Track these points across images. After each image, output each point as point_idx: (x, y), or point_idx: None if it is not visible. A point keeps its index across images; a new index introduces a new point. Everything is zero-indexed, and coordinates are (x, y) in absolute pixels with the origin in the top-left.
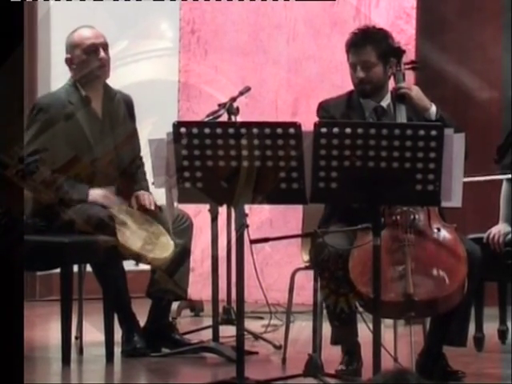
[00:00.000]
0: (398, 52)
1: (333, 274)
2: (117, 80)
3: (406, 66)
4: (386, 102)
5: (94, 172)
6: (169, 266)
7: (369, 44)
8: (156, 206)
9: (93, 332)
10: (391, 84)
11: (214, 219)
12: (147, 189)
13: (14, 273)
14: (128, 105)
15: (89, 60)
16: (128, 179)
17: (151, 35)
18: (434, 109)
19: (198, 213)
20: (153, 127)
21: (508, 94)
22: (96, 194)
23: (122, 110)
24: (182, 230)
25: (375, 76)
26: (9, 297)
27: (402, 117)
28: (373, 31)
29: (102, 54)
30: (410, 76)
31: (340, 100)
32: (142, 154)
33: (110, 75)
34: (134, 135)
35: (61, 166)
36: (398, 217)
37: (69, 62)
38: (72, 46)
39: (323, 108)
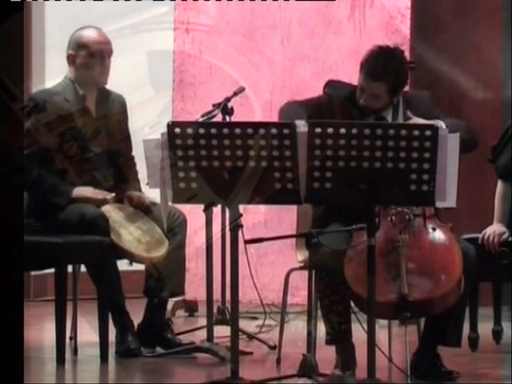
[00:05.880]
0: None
1: (328, 274)
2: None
3: None
4: (388, 113)
5: (85, 170)
6: (164, 263)
7: (385, 82)
8: (150, 203)
9: (87, 332)
10: None
11: (209, 206)
12: (139, 189)
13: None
14: (121, 104)
15: (93, 64)
16: (120, 179)
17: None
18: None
19: (193, 213)
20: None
21: (506, 94)
22: (81, 190)
23: (115, 109)
24: (176, 227)
25: (379, 105)
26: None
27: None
28: (393, 64)
29: (107, 61)
30: None
31: (347, 89)
32: (137, 154)
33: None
34: (126, 135)
35: (52, 164)
36: (394, 217)
37: (71, 59)
38: (78, 45)
39: (331, 85)
